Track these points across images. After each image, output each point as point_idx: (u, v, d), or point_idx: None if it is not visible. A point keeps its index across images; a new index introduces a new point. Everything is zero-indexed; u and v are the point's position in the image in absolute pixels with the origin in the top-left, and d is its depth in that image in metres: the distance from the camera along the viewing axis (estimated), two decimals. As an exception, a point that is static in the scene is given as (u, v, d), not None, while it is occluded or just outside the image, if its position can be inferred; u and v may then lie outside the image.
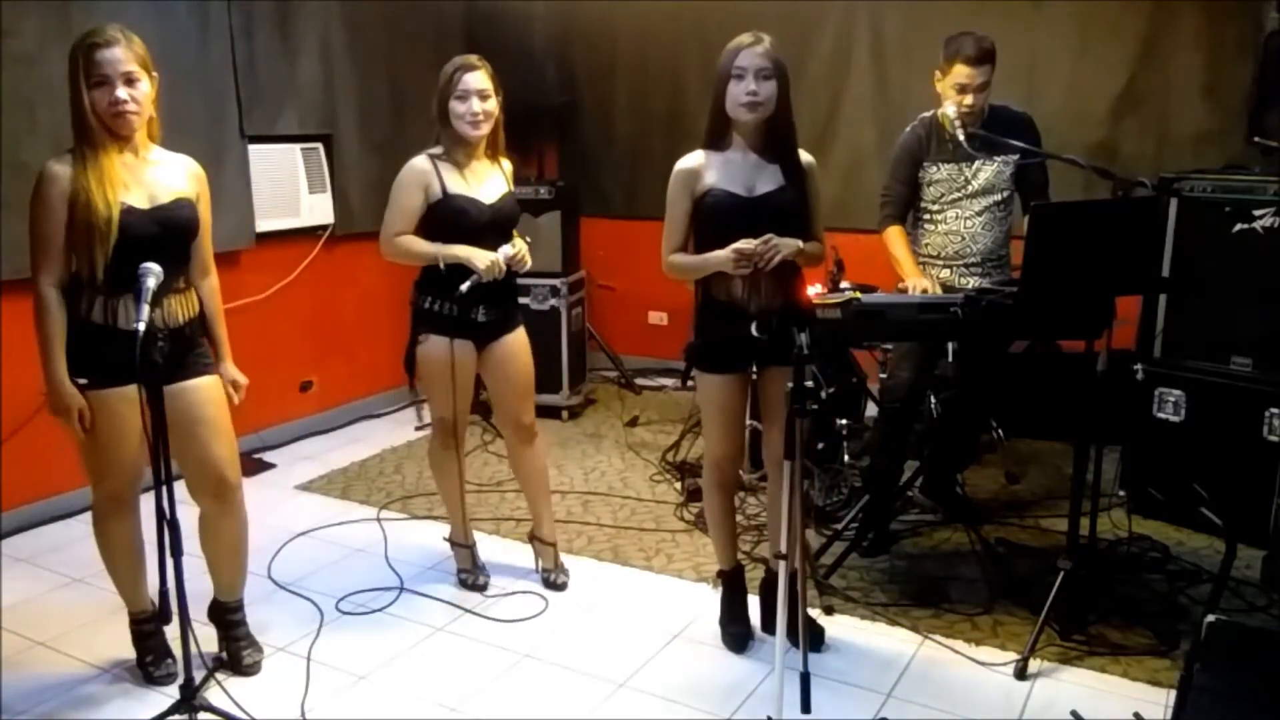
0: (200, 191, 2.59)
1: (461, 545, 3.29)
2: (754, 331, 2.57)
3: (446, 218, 2.91)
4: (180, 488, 2.54)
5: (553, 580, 3.26)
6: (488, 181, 3.00)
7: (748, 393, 2.80)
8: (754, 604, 3.00)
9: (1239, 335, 3.46)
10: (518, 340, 3.10)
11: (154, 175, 2.47)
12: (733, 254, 2.54)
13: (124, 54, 2.33)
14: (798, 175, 2.66)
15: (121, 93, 2.32)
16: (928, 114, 3.33)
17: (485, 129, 2.92)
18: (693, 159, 2.69)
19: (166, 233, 2.46)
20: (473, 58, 2.92)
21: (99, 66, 2.31)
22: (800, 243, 2.61)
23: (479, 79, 2.88)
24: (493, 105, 2.91)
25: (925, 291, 3.15)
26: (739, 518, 3.54)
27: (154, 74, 2.43)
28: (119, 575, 2.70)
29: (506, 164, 3.10)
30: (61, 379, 2.43)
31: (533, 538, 3.34)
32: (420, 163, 2.94)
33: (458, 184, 2.93)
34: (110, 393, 2.44)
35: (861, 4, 4.85)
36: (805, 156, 2.70)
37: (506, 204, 3.02)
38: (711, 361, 2.74)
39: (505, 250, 2.91)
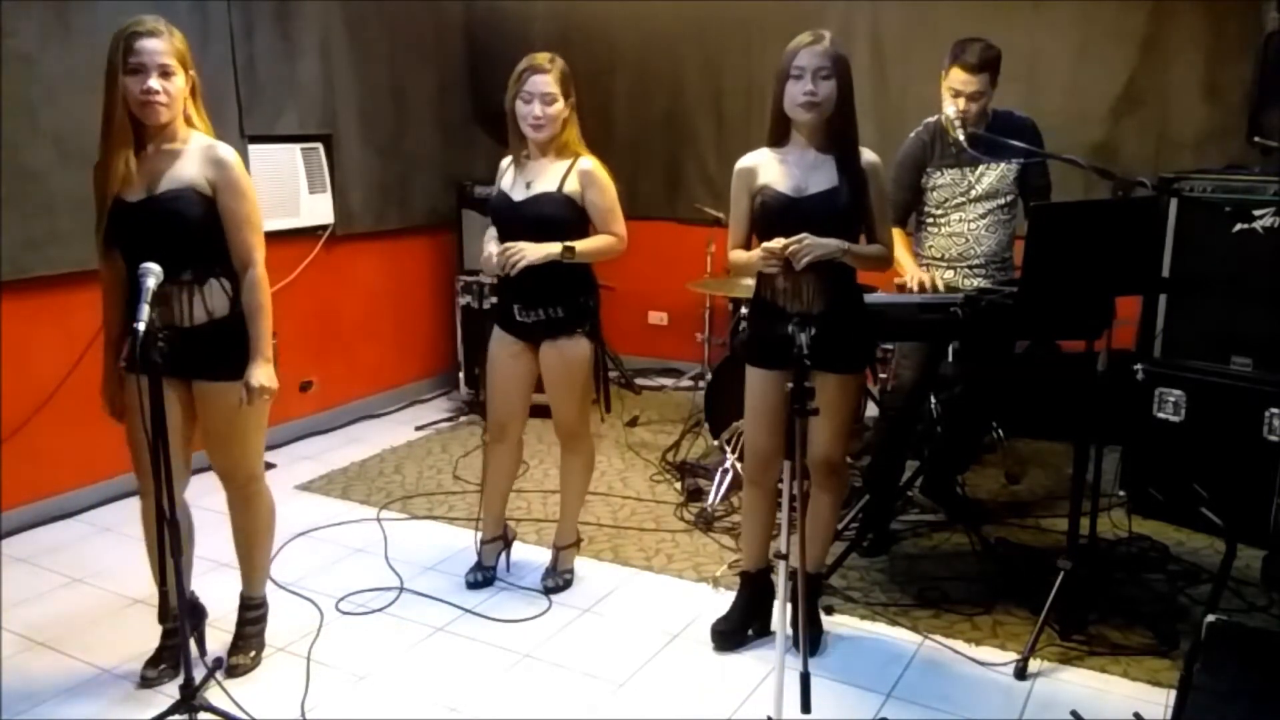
0: (220, 179, 2.46)
1: (488, 541, 3.32)
2: (790, 331, 2.57)
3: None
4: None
5: (545, 583, 3.26)
6: (535, 179, 2.97)
7: None
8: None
9: (1239, 335, 3.46)
10: (562, 348, 3.04)
11: (162, 166, 2.44)
12: (761, 253, 2.56)
13: (164, 46, 2.35)
14: (855, 175, 2.61)
15: (154, 83, 2.33)
16: (932, 119, 3.33)
17: (546, 133, 2.91)
18: (752, 157, 2.69)
19: (151, 225, 2.41)
20: (543, 58, 2.91)
21: (137, 54, 2.32)
22: (844, 244, 2.56)
23: (545, 82, 2.87)
24: (557, 109, 2.90)
25: (923, 284, 3.14)
26: (738, 519, 3.54)
27: (191, 72, 2.44)
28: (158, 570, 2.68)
29: (586, 162, 2.98)
30: (105, 369, 2.53)
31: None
32: (504, 161, 3.07)
33: (505, 180, 3.02)
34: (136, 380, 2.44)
35: (861, 4, 4.85)
36: (868, 156, 2.65)
37: (535, 203, 2.94)
38: (755, 356, 2.75)
39: (488, 249, 2.96)
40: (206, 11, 4.06)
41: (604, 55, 5.57)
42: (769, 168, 2.66)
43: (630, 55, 5.52)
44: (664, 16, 5.30)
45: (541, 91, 2.87)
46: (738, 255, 2.74)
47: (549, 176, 2.97)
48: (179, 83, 2.39)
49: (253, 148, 4.35)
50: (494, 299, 3.09)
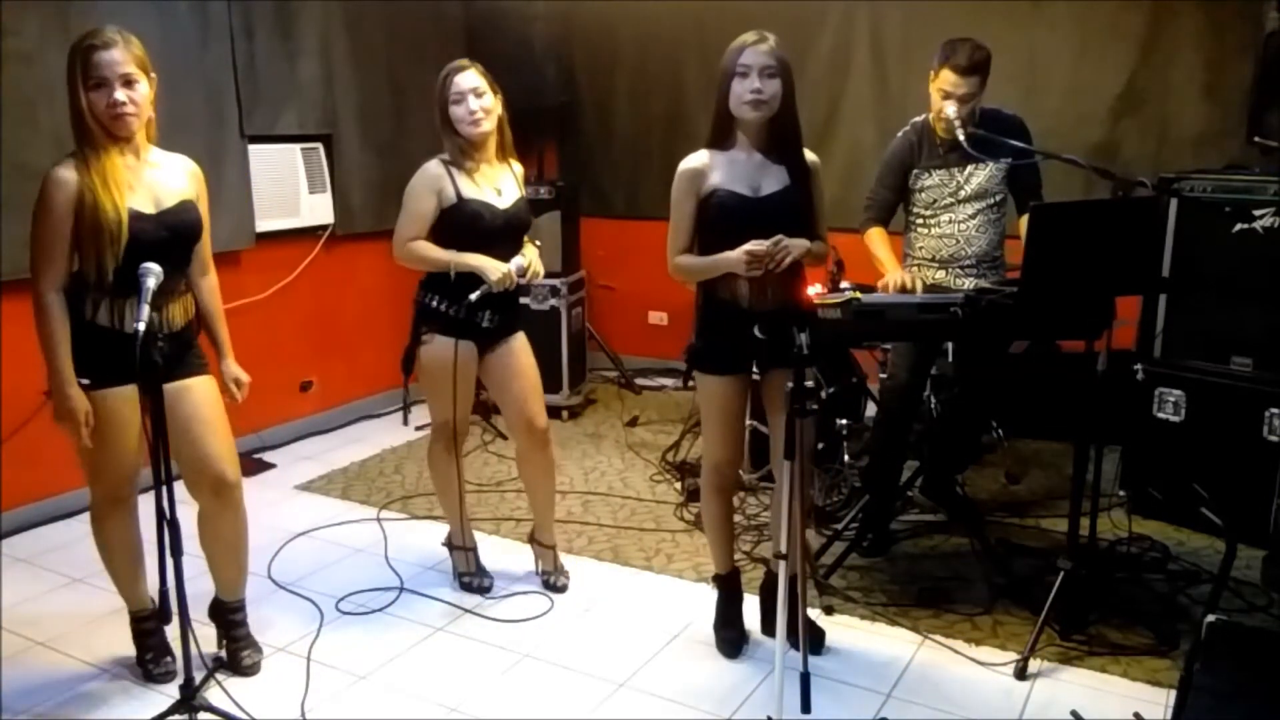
0: (199, 191, 2.59)
1: (461, 548, 3.28)
2: (757, 333, 2.57)
3: (460, 222, 2.90)
4: (180, 487, 2.55)
5: (553, 582, 3.26)
6: (501, 185, 2.98)
7: (748, 394, 2.80)
8: (753, 606, 3.00)
9: (1239, 335, 3.46)
10: (520, 343, 3.09)
11: (155, 178, 2.47)
12: (744, 256, 2.52)
13: (122, 55, 2.32)
14: (803, 174, 2.63)
15: (120, 95, 2.32)
16: (919, 118, 3.32)
17: (488, 125, 2.89)
18: (697, 159, 2.66)
19: (174, 237, 2.47)
20: (461, 60, 2.92)
21: (97, 68, 2.30)
22: (808, 243, 2.60)
23: (470, 78, 2.86)
24: (490, 101, 2.89)
25: (901, 285, 3.13)
26: (739, 518, 3.55)
27: (152, 75, 2.42)
28: (118, 574, 2.70)
29: (518, 167, 3.08)
30: (67, 383, 2.40)
31: (533, 540, 3.33)
32: (432, 167, 2.92)
33: (471, 189, 2.92)
34: (109, 392, 2.44)
35: (861, 4, 4.85)
36: (810, 155, 2.67)
37: (521, 208, 3.00)
38: (712, 362, 2.72)
39: (517, 262, 2.91)
40: (206, 11, 4.06)
41: (605, 55, 5.58)
42: (718, 169, 2.63)
43: (630, 55, 5.53)
44: (664, 16, 5.31)
45: (470, 87, 2.85)
46: (690, 261, 2.67)
47: (510, 181, 3.01)
48: (143, 89, 2.38)
49: (253, 148, 4.35)
50: (450, 309, 2.94)
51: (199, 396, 2.58)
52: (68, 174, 2.35)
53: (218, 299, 2.72)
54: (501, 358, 3.06)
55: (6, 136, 3.41)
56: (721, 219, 2.62)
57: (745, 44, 2.56)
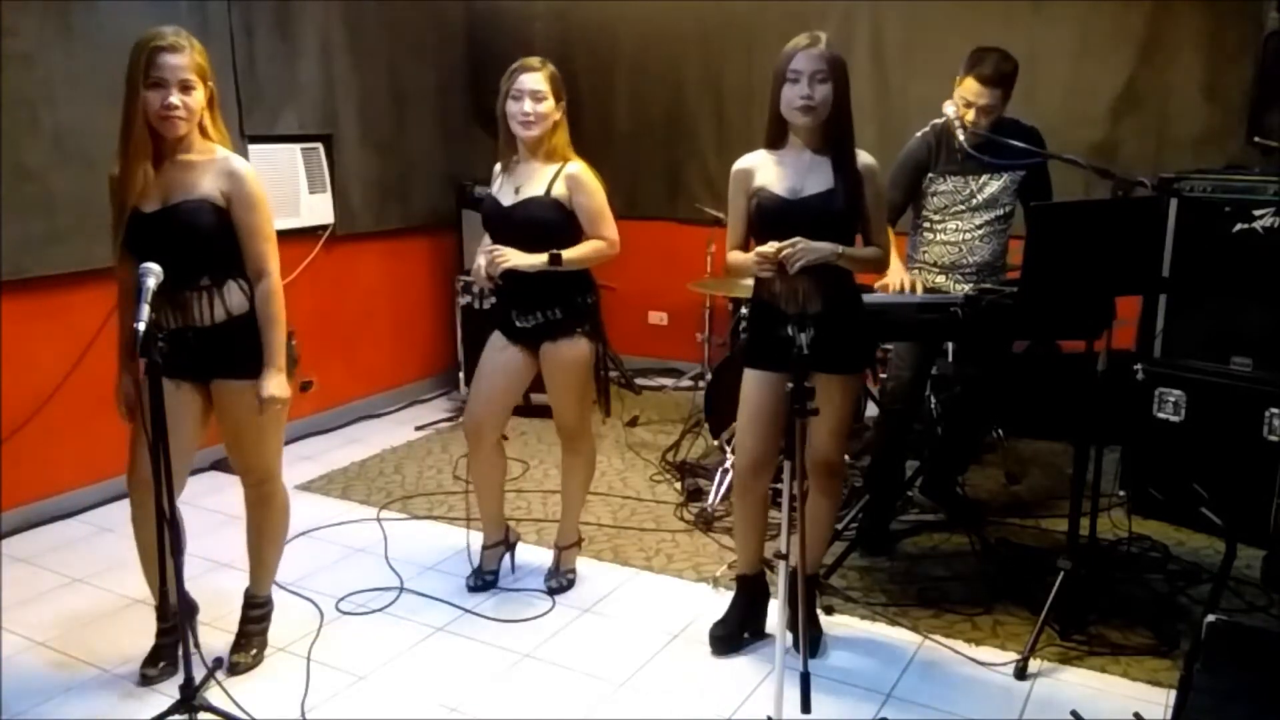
0: (234, 191, 2.49)
1: (486, 546, 3.30)
2: (788, 333, 2.56)
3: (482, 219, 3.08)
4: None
5: (550, 585, 3.25)
6: (527, 183, 2.97)
7: (785, 395, 2.78)
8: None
9: (1239, 335, 3.46)
10: (561, 349, 3.04)
11: (178, 177, 2.47)
12: (755, 257, 2.55)
13: (186, 61, 2.36)
14: (850, 178, 2.60)
15: (175, 98, 2.35)
16: (939, 120, 3.30)
17: (536, 130, 2.91)
18: (749, 159, 2.69)
19: (166, 233, 2.44)
20: (535, 60, 2.94)
21: (159, 69, 2.33)
22: (837, 247, 2.55)
23: (535, 80, 2.89)
24: (546, 108, 2.90)
25: (902, 286, 3.13)
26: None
27: (210, 83, 2.46)
28: (148, 561, 2.66)
29: (574, 166, 2.97)
30: (120, 371, 2.56)
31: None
32: (496, 167, 3.07)
33: (495, 185, 3.03)
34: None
35: (861, 4, 4.85)
36: (864, 158, 2.63)
37: (526, 207, 2.94)
38: (751, 359, 2.75)
39: (488, 255, 2.93)
40: (206, 11, 4.06)
41: (604, 55, 5.58)
42: (766, 169, 2.65)
43: (630, 55, 5.52)
44: (664, 16, 5.31)
45: (531, 89, 2.88)
46: (735, 257, 2.73)
47: (537, 180, 2.97)
48: (198, 96, 2.42)
49: (253, 148, 4.35)
50: (492, 301, 3.10)
51: (232, 402, 2.61)
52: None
53: (270, 306, 2.58)
54: (548, 355, 3.07)
55: (7, 137, 3.41)
56: (760, 219, 2.65)
57: (797, 48, 2.55)
